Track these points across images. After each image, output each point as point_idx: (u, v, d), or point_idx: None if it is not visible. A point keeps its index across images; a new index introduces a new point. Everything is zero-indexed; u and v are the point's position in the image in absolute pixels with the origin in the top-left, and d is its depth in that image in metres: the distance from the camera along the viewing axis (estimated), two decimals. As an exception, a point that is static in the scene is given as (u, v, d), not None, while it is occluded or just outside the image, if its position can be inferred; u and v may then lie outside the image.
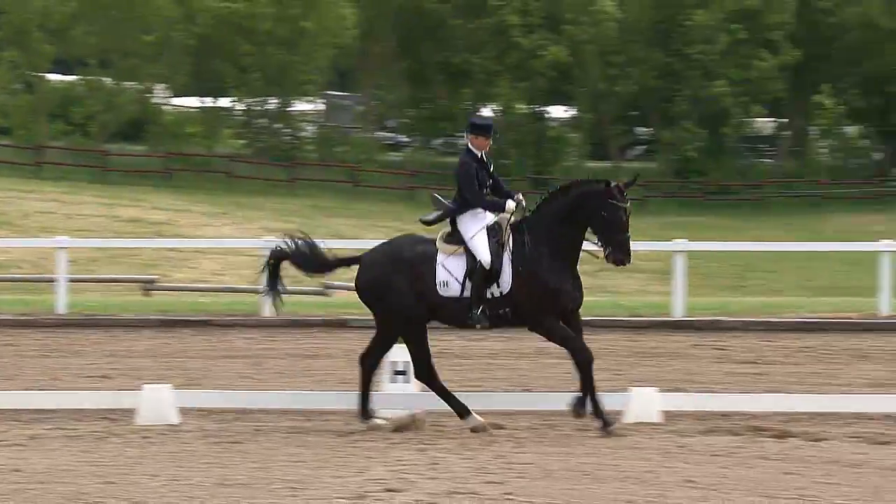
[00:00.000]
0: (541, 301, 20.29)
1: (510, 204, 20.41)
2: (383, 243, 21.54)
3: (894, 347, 30.86)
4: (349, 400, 22.73)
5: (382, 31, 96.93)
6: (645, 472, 18.31)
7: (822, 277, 61.02)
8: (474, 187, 20.38)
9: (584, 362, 20.59)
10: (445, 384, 21.40)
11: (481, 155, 20.54)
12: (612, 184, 20.03)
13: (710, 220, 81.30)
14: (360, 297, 21.42)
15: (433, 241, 20.79)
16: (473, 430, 20.90)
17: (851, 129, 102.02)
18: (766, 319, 35.13)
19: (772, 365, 28.56)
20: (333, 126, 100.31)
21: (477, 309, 20.40)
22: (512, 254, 20.28)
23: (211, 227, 77.70)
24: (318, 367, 28.46)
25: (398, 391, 22.65)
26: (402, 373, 22.80)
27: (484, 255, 20.19)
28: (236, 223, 79.00)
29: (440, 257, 20.52)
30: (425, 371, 21.27)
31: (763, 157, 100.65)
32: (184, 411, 22.26)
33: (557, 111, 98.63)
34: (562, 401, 22.74)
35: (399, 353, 22.77)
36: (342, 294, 47.70)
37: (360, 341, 30.41)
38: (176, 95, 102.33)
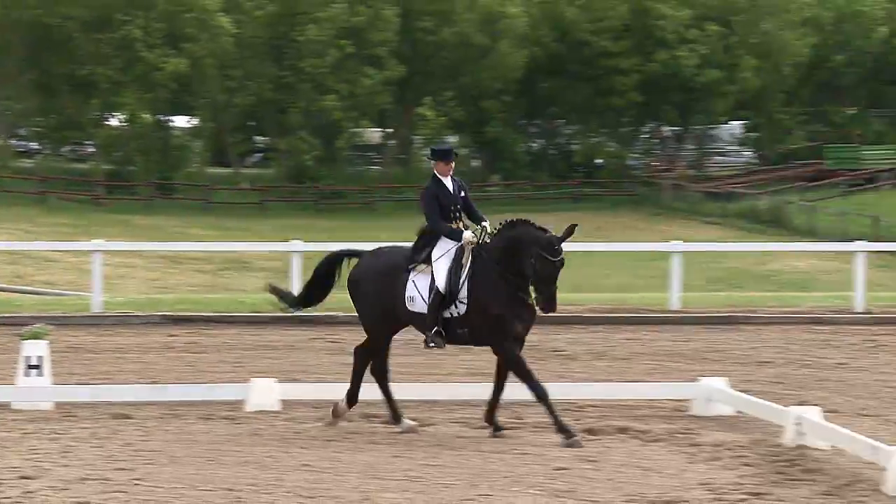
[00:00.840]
0: (492, 326, 19.34)
1: (467, 235, 19.38)
2: (377, 249, 20.85)
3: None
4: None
5: (10, 44, 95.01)
6: (265, 458, 18.37)
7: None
8: (435, 215, 19.49)
9: (540, 397, 19.64)
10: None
11: (450, 179, 19.67)
12: (547, 234, 18.93)
13: (323, 223, 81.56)
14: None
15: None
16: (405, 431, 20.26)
17: (452, 139, 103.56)
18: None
19: (382, 356, 28.73)
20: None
21: (431, 330, 19.58)
22: (469, 277, 19.28)
23: None
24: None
25: (32, 385, 22.35)
26: (37, 367, 22.49)
27: (440, 280, 19.36)
28: None
29: (412, 274, 19.66)
30: (374, 365, 20.66)
31: (372, 165, 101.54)
32: None
33: (181, 121, 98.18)
34: (188, 392, 22.68)
35: (32, 349, 22.46)
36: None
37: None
38: None
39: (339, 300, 28.59)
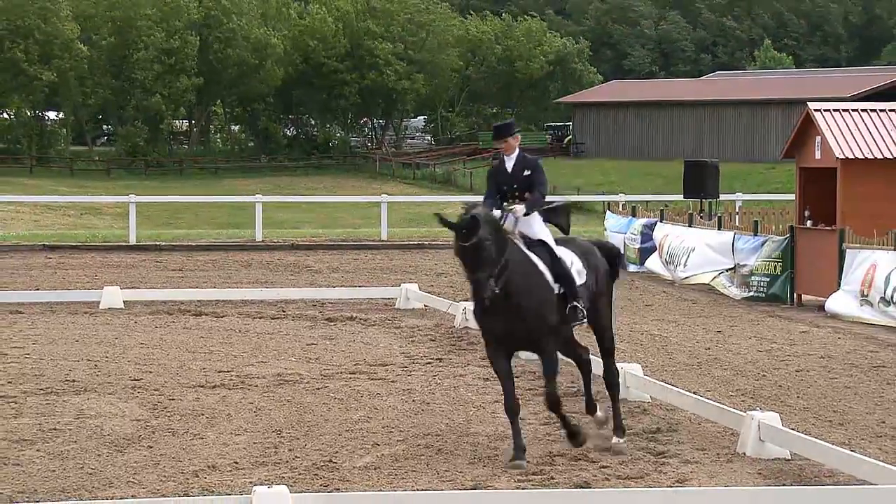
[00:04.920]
0: None
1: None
2: None
3: (265, 260, 31.10)
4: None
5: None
6: (114, 339, 18.05)
7: (220, 217, 60.85)
8: (487, 194, 11.70)
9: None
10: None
11: (513, 158, 11.70)
12: (468, 216, 10.94)
13: (150, 183, 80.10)
14: None
15: None
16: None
17: (236, 128, 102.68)
18: (188, 243, 34.93)
19: (193, 271, 28.40)
20: None
21: None
22: None
23: None
24: None
25: None
26: None
27: None
28: None
29: None
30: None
31: (182, 144, 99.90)
32: None
33: (52, 114, 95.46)
34: (61, 295, 22.08)
35: None
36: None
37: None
38: None
39: (162, 236, 28.17)
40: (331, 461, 11.00)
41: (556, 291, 11.26)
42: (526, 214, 11.42)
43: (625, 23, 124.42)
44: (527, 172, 11.75)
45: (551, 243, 11.48)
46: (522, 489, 9.95)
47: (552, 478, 10.56)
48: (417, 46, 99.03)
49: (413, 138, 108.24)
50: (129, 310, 21.08)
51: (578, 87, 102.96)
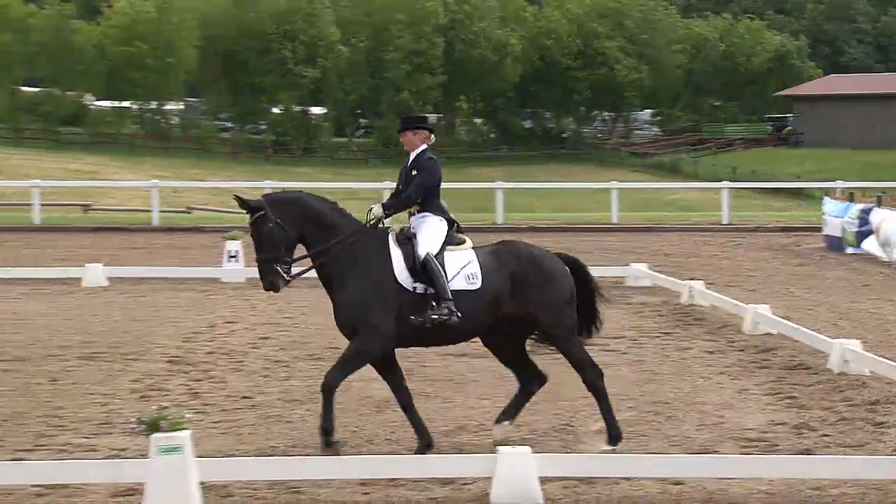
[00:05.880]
0: None
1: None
2: None
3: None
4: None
5: (213, 65, 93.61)
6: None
7: (463, 202, 61.46)
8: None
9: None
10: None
11: (414, 155, 10.75)
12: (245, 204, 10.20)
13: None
14: None
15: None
16: None
17: (479, 121, 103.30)
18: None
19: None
20: (189, 117, 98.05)
21: None
22: None
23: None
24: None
25: (232, 267, 22.22)
26: (234, 256, 22.42)
27: None
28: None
29: None
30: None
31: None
32: None
33: (316, 110, 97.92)
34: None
35: (232, 245, 22.31)
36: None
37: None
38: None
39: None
40: (568, 425, 10.99)
41: (413, 289, 9.96)
42: (386, 215, 10.24)
43: (842, 19, 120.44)
44: (415, 172, 10.48)
45: (422, 240, 10.11)
46: (748, 454, 9.75)
47: (775, 445, 10.32)
48: (645, 44, 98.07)
49: (641, 129, 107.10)
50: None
51: (798, 81, 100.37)
